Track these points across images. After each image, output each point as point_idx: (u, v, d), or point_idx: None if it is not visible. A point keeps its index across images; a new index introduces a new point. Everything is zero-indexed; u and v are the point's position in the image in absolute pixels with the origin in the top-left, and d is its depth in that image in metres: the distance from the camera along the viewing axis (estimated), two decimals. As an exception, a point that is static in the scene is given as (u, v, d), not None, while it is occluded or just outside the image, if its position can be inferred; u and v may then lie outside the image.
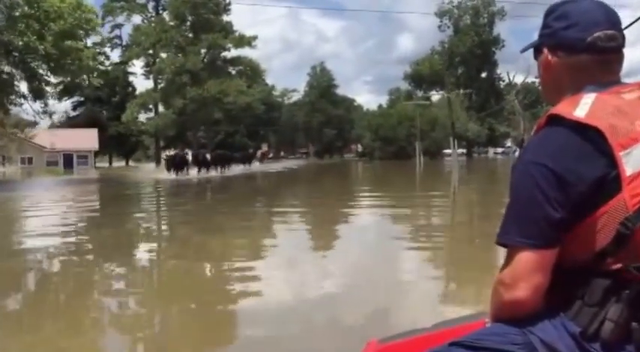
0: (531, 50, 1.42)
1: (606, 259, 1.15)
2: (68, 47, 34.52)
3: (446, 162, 53.73)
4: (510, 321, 1.22)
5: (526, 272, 1.17)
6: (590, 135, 1.16)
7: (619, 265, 1.14)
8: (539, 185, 1.16)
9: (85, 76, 42.34)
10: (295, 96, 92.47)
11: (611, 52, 1.27)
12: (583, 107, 1.19)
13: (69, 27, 34.36)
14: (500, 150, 79.85)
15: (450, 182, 25.99)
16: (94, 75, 67.20)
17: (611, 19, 1.28)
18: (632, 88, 1.24)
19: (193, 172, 35.19)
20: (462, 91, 55.90)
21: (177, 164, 33.98)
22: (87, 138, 57.84)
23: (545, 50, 1.33)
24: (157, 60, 64.96)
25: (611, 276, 1.15)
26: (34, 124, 45.30)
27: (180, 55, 62.67)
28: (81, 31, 36.72)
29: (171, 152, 39.35)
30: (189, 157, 36.23)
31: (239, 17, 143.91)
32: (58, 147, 55.32)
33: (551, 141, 1.20)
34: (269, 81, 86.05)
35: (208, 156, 38.01)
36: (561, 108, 1.23)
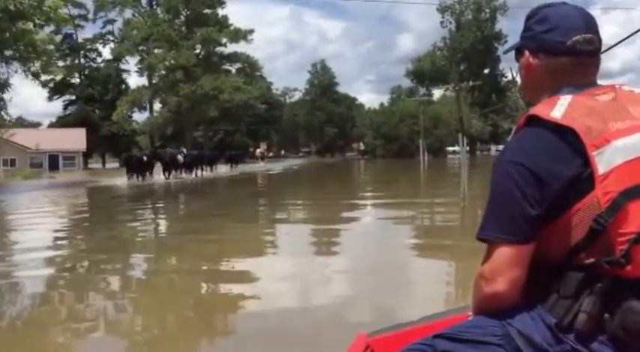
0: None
1: (580, 254, 1.21)
2: (22, 31, 29.94)
3: (450, 160, 52.76)
4: (491, 314, 1.27)
5: (505, 266, 1.23)
6: (566, 135, 1.22)
7: (592, 259, 1.20)
8: (517, 183, 1.22)
9: (36, 64, 34.35)
10: (297, 95, 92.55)
11: (589, 55, 1.33)
12: (560, 108, 1.25)
13: (18, 7, 29.18)
14: (502, 147, 79.62)
15: (462, 182, 22.15)
16: (88, 72, 61.40)
17: (590, 24, 1.34)
18: (606, 90, 1.30)
19: (164, 175, 30.86)
20: (470, 83, 55.47)
21: (135, 167, 30.31)
22: (74, 139, 54.24)
23: (527, 52, 1.39)
24: (149, 55, 61.47)
25: (585, 270, 1.20)
26: (36, 125, 42.72)
27: (173, 50, 59.82)
28: (37, 13, 31.00)
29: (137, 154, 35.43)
30: (150, 159, 31.65)
31: (240, 19, 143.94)
32: (44, 148, 52.15)
33: (529, 141, 1.26)
34: (271, 81, 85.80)
35: (180, 156, 32.72)
36: (539, 109, 1.29)
